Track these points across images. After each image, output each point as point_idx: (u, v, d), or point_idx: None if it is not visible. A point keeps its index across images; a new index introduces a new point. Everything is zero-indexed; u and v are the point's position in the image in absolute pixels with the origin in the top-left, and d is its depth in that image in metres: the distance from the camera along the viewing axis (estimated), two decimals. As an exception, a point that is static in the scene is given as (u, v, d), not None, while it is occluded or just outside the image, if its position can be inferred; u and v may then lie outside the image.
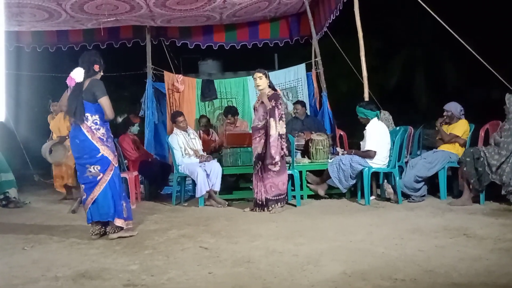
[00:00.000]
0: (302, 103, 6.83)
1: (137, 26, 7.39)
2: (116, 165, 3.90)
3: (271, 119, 4.81)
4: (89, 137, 3.79)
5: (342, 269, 2.82)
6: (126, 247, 3.60)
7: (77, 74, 3.82)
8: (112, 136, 3.97)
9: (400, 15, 13.56)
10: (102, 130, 3.84)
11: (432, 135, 6.42)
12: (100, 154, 3.80)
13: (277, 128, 4.81)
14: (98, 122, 3.82)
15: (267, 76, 4.98)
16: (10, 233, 4.26)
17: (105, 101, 3.79)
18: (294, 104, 6.89)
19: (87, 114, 3.79)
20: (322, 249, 3.29)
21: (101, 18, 6.44)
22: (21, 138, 7.83)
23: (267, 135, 4.86)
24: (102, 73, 3.96)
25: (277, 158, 4.81)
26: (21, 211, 5.52)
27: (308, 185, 5.49)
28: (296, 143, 5.75)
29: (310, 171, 5.56)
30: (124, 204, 3.92)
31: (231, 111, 6.67)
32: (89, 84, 3.81)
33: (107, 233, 3.89)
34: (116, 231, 3.87)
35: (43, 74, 9.08)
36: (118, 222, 3.85)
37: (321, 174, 5.45)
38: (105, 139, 3.84)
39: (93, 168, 3.81)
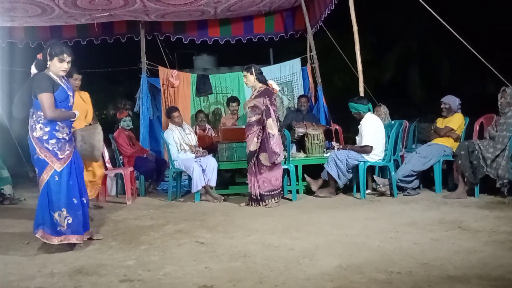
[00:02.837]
0: (307, 97, 6.89)
1: (131, 21, 7.34)
2: (59, 170, 3.38)
3: (270, 119, 4.79)
4: (30, 135, 3.41)
5: (338, 263, 2.83)
6: (122, 242, 3.60)
7: (32, 67, 3.49)
8: (64, 138, 3.43)
9: (395, 10, 13.57)
10: (46, 129, 3.36)
11: (427, 128, 6.45)
12: (36, 156, 3.40)
13: (276, 126, 4.82)
14: (42, 121, 3.36)
15: (252, 72, 4.94)
16: (5, 229, 4.25)
17: (41, 99, 3.31)
18: (299, 97, 6.99)
19: (33, 111, 3.40)
20: (318, 243, 3.30)
21: (94, 13, 6.39)
22: (15, 134, 7.77)
23: (264, 133, 4.83)
24: (60, 64, 3.41)
25: (279, 152, 4.81)
26: (16, 208, 5.50)
27: (305, 176, 5.53)
28: (297, 128, 5.80)
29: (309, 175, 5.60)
30: (64, 214, 3.39)
31: (232, 99, 6.86)
32: (32, 79, 3.44)
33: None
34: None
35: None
36: (39, 233, 3.38)
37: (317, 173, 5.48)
38: (45, 140, 3.36)
39: (35, 170, 3.46)
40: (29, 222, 4.56)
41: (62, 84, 3.47)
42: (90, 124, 4.52)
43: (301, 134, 5.90)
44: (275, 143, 4.78)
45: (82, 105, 4.58)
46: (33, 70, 3.51)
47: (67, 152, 3.46)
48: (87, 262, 3.12)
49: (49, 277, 2.85)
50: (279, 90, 7.18)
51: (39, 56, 3.49)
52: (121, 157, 6.17)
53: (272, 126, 4.79)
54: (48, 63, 3.44)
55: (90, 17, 6.57)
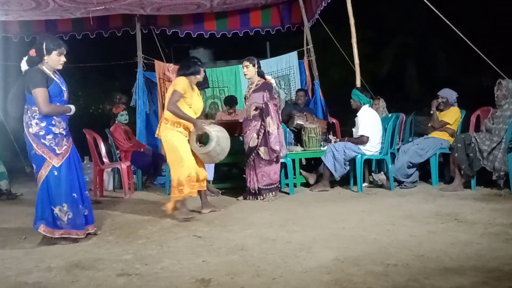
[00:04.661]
0: (305, 91, 6.87)
1: (126, 15, 7.29)
2: (57, 165, 3.39)
3: (268, 118, 4.76)
4: (25, 131, 3.40)
5: (335, 255, 2.84)
6: (119, 237, 3.60)
7: (22, 63, 3.43)
8: (61, 133, 3.43)
9: (393, 4, 13.53)
10: (42, 125, 3.35)
11: (424, 122, 6.46)
12: (33, 152, 3.39)
13: (275, 123, 4.77)
14: (37, 116, 3.35)
15: (254, 65, 4.89)
16: (2, 224, 4.25)
17: (35, 93, 3.30)
18: (297, 91, 6.96)
19: (28, 106, 3.38)
20: (315, 236, 3.31)
21: (89, 7, 6.33)
22: (11, 129, 7.74)
23: (264, 130, 4.80)
24: (58, 57, 3.42)
25: (278, 148, 4.79)
26: (13, 203, 5.49)
27: (301, 171, 5.53)
28: (296, 117, 5.77)
29: (305, 169, 5.60)
30: (64, 209, 3.42)
31: (231, 101, 6.80)
32: (26, 75, 3.41)
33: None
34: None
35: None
36: (41, 228, 3.39)
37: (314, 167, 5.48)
38: (42, 136, 3.36)
39: (32, 166, 3.46)
40: (26, 217, 4.56)
41: (55, 78, 3.45)
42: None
43: (300, 123, 5.87)
44: (274, 141, 4.77)
45: (199, 99, 4.39)
46: (24, 66, 3.46)
47: (65, 147, 3.45)
48: (84, 256, 3.12)
49: (46, 271, 2.85)
50: (276, 84, 7.19)
51: (32, 52, 3.43)
52: (118, 151, 6.15)
53: (271, 124, 4.76)
54: (45, 57, 3.41)
55: (85, 10, 6.51)
